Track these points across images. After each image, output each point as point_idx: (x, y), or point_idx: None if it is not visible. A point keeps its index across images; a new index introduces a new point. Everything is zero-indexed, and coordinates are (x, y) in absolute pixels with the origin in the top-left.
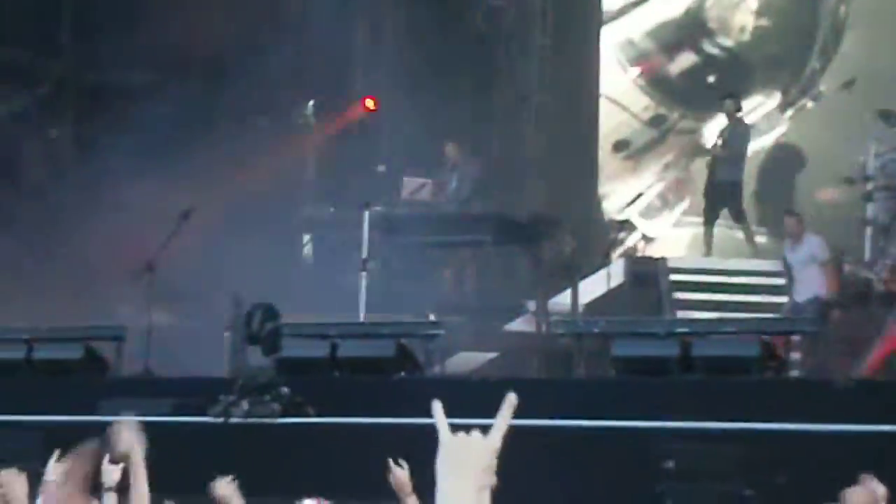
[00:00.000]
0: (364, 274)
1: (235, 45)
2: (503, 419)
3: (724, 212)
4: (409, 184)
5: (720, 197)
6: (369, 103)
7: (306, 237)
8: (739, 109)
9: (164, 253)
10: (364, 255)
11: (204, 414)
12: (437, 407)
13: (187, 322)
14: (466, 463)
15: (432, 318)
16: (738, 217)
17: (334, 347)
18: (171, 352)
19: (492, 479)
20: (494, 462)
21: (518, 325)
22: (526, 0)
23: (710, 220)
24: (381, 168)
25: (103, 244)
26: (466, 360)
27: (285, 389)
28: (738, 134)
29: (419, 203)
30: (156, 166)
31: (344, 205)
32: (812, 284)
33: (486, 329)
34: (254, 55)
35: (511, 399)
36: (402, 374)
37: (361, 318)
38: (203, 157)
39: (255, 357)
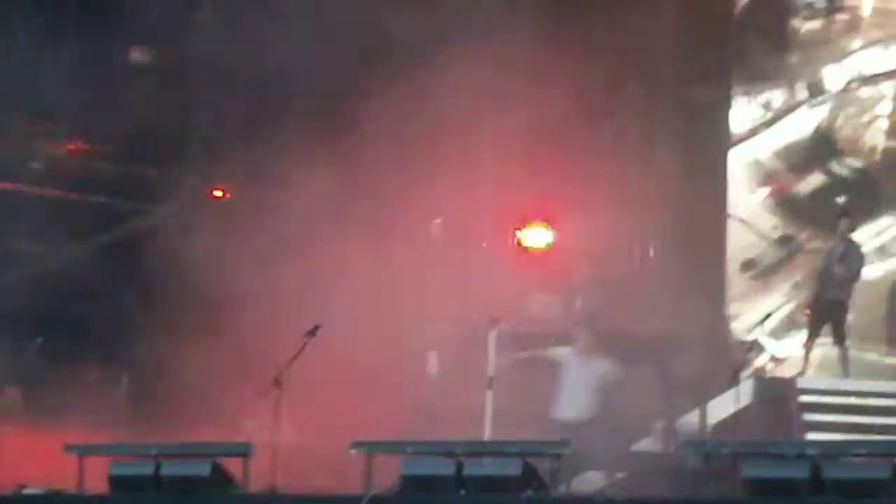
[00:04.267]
0: (490, 392)
1: (363, 155)
2: None
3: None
4: (537, 301)
5: (827, 315)
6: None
7: (432, 354)
8: (854, 230)
9: (291, 369)
10: (491, 372)
11: None
12: None
13: (313, 439)
14: None
15: (559, 436)
16: (840, 337)
17: (460, 465)
18: (297, 469)
19: None
20: None
21: (645, 444)
22: (654, 119)
23: (813, 337)
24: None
25: (232, 359)
26: (593, 480)
27: None
28: (854, 254)
29: (547, 320)
30: (284, 282)
31: (470, 322)
32: None
33: (614, 448)
34: (385, 171)
35: None
36: (528, 493)
37: (487, 435)
38: (330, 273)
39: None
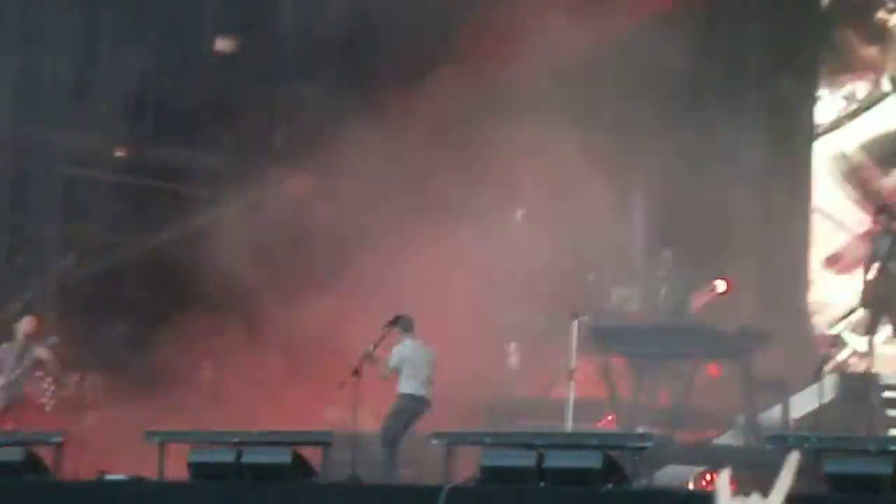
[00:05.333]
0: (572, 384)
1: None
2: (785, 480)
3: None
4: (619, 293)
5: (882, 309)
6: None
7: (513, 345)
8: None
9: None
10: (572, 365)
11: None
12: (724, 476)
13: None
14: None
15: (640, 429)
16: None
17: (541, 457)
18: (377, 458)
19: None
20: None
21: (727, 438)
22: (737, 114)
23: (872, 331)
24: (591, 277)
25: (312, 348)
26: (674, 473)
27: None
28: None
29: (628, 313)
30: (363, 272)
31: (552, 313)
32: None
33: (695, 442)
34: (463, 160)
35: (793, 459)
36: (609, 485)
37: (569, 428)
38: (410, 264)
39: None
